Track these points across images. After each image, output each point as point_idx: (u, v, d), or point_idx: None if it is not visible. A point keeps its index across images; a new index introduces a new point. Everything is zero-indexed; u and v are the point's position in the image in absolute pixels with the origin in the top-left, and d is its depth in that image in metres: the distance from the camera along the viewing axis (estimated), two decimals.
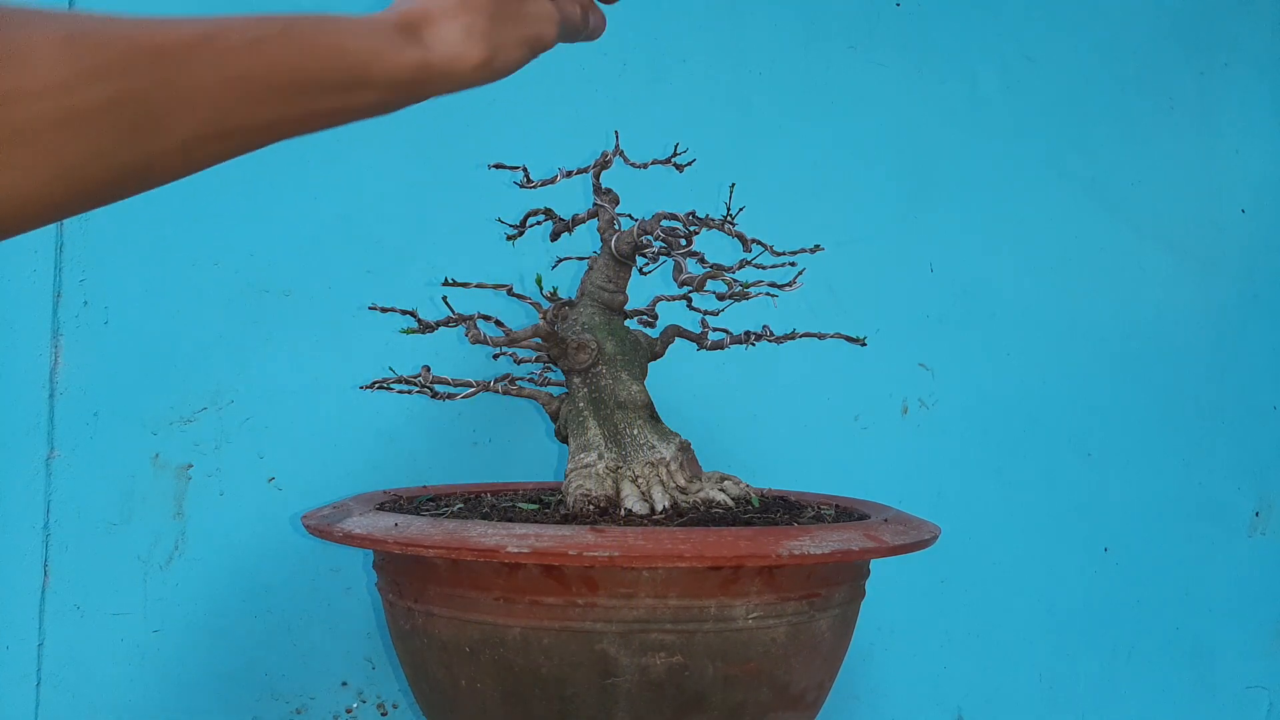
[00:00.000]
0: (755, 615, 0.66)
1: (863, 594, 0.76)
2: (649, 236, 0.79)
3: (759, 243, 0.81)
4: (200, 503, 0.94)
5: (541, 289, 0.83)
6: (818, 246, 0.82)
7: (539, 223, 0.86)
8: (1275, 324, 1.41)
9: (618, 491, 0.75)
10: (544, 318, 0.81)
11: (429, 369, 0.81)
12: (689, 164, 0.84)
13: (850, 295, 1.18)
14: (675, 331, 0.86)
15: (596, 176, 0.84)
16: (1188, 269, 1.37)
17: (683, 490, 0.76)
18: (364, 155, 1.01)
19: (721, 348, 0.85)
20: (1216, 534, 1.37)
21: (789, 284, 0.80)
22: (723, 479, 0.79)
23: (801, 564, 0.65)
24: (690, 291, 0.80)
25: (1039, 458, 1.27)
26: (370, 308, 0.86)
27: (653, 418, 0.80)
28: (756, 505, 0.77)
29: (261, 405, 0.97)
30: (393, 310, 0.82)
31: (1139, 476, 1.32)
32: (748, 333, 0.85)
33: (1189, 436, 1.35)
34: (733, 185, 0.83)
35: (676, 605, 0.64)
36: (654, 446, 0.78)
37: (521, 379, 0.85)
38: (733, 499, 0.77)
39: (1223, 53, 1.40)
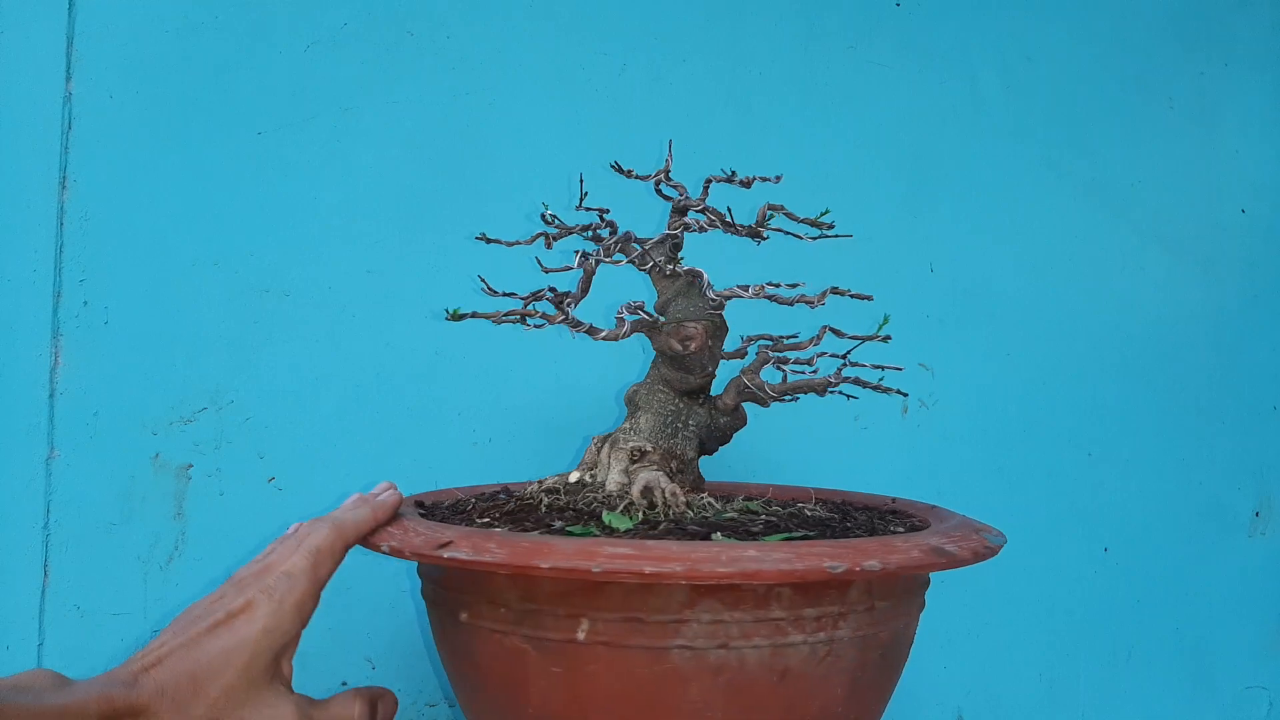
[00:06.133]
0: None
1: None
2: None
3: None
4: (200, 503, 0.94)
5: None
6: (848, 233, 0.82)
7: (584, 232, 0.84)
8: (1275, 324, 1.41)
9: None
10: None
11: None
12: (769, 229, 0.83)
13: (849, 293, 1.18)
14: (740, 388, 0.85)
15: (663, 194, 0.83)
16: (1188, 269, 1.37)
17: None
18: (364, 155, 1.01)
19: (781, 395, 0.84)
20: (1216, 534, 1.37)
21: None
22: (585, 472, 0.79)
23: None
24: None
25: (1039, 458, 1.27)
26: (479, 237, 0.85)
27: (631, 415, 0.81)
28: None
29: (261, 405, 0.97)
30: (498, 240, 0.82)
31: (1139, 476, 1.32)
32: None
33: (1189, 436, 1.35)
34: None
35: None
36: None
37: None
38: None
39: (1223, 53, 1.40)
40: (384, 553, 0.65)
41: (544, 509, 0.73)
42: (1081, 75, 1.32)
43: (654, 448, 0.78)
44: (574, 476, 0.77)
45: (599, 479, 0.77)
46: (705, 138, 1.13)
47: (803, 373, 0.85)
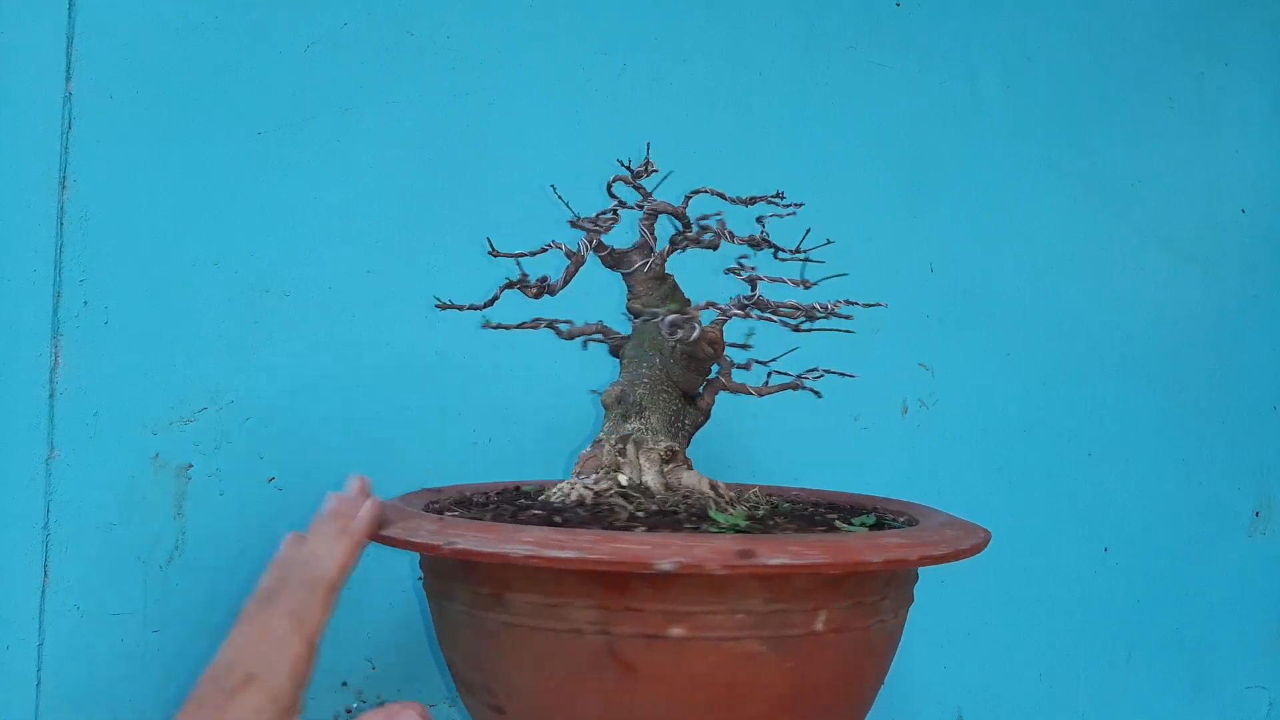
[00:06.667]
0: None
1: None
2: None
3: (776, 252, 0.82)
4: (200, 503, 0.94)
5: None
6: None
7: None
8: (1275, 324, 1.41)
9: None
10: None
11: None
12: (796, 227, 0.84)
13: (850, 295, 1.18)
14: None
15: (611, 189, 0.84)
16: (1188, 269, 1.37)
17: (571, 486, 0.77)
18: (364, 155, 1.01)
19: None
20: (1216, 534, 1.37)
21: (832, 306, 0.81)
22: (610, 475, 0.78)
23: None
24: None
25: (1039, 458, 1.27)
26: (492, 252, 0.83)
27: (624, 415, 0.81)
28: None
29: (261, 405, 0.97)
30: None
31: (1139, 476, 1.32)
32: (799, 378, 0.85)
33: (1189, 436, 1.35)
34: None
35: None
36: (593, 442, 0.80)
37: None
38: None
39: (1223, 53, 1.40)
40: (666, 570, 0.58)
41: (644, 513, 0.72)
42: (1081, 75, 1.32)
43: (680, 447, 0.80)
44: (624, 479, 0.77)
45: (635, 480, 0.77)
46: (705, 138, 1.13)
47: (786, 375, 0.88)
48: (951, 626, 1.21)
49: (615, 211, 0.82)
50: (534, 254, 0.82)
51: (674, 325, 0.77)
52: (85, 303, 0.92)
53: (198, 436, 0.95)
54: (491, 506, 0.80)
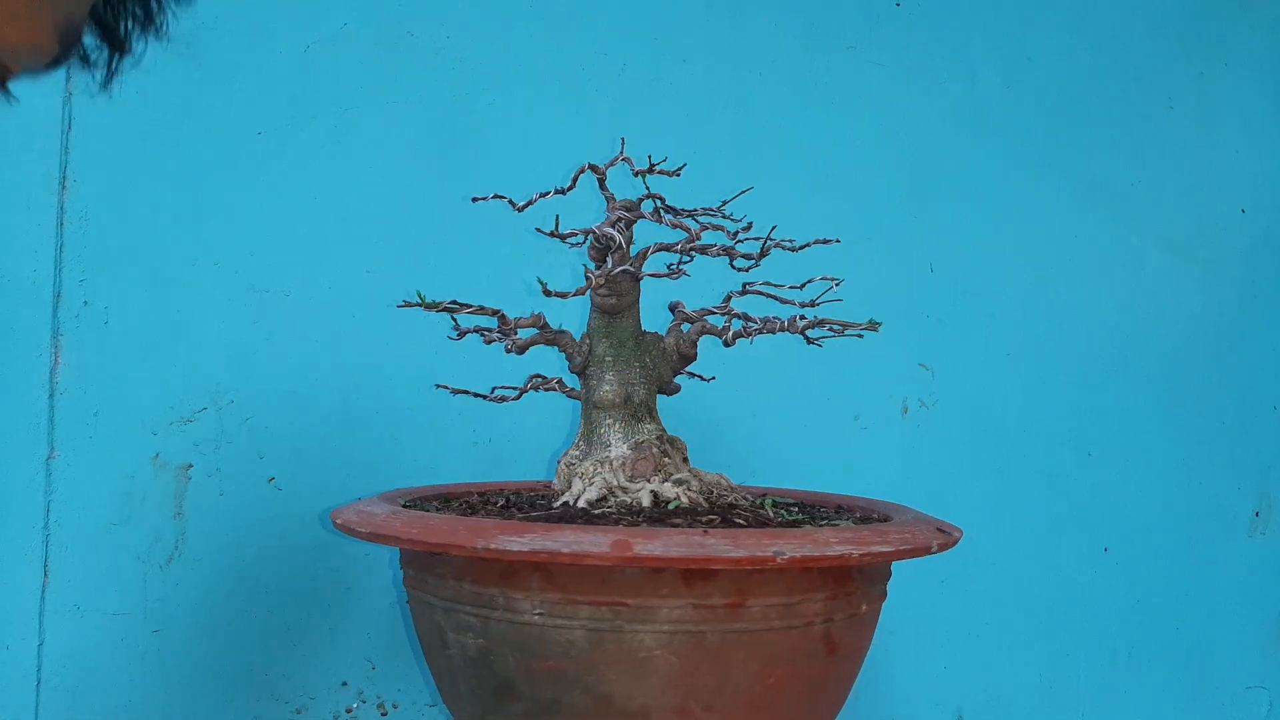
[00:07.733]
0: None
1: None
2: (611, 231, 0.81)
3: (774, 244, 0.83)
4: (200, 503, 0.94)
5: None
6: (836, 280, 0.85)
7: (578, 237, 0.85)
8: (1275, 324, 1.41)
9: (569, 487, 0.78)
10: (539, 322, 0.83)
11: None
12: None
13: (850, 295, 1.18)
14: (701, 329, 0.85)
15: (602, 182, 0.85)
16: (1188, 269, 1.37)
17: (622, 489, 0.76)
18: (364, 155, 1.01)
19: (747, 335, 0.85)
20: (1216, 534, 1.37)
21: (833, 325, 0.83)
22: (669, 477, 0.78)
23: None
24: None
25: (1039, 458, 1.27)
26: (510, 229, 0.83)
27: (633, 415, 0.80)
28: (678, 506, 0.76)
29: (261, 405, 0.97)
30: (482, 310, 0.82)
31: (1139, 476, 1.32)
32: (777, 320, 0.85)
33: (1189, 436, 1.35)
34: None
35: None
36: (609, 445, 0.79)
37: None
38: (665, 498, 0.76)
39: (1223, 53, 1.40)
40: (933, 552, 0.69)
41: (766, 509, 0.78)
42: (1081, 75, 1.32)
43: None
44: (696, 486, 0.79)
45: (681, 480, 0.78)
46: (705, 138, 1.13)
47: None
48: (952, 626, 1.21)
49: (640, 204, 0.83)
50: (567, 235, 0.83)
51: (726, 327, 0.82)
52: (85, 303, 0.92)
53: (198, 436, 0.95)
54: (615, 515, 0.75)
